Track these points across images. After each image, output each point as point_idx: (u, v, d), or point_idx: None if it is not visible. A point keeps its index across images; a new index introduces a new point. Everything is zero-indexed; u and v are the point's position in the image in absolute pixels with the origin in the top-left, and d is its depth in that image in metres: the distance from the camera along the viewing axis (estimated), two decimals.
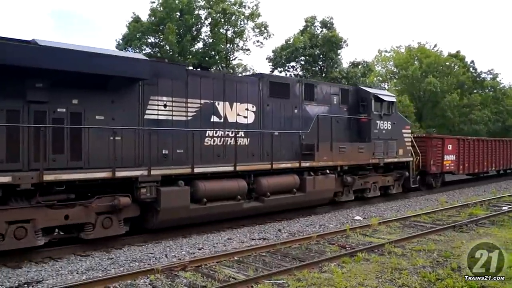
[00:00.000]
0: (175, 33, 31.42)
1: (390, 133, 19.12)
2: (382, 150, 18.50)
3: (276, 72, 37.26)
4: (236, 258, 9.92)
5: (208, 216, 12.74)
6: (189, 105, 13.13)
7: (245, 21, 35.65)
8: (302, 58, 36.41)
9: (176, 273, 8.76)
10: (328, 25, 36.61)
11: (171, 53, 31.88)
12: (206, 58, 33.45)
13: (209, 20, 34.34)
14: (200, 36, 34.84)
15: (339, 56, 36.58)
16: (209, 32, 34.88)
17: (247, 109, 14.60)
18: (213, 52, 34.08)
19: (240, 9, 35.09)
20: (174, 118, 12.75)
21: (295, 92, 16.15)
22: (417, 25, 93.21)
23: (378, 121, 18.53)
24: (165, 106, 12.54)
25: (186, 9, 32.80)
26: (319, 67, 37.22)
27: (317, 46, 35.55)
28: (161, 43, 33.59)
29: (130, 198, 11.01)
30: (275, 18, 78.00)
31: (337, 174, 16.49)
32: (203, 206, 12.37)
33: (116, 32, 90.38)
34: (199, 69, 14.16)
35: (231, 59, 35.74)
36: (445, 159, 23.42)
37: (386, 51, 56.73)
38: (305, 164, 15.22)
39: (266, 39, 36.48)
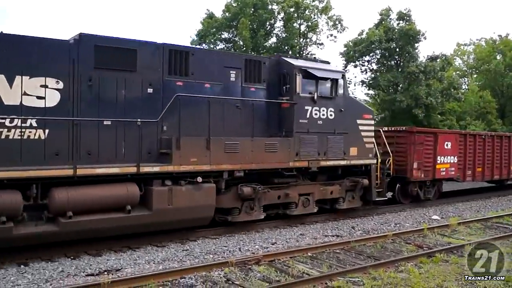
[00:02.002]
0: (248, 28, 31.71)
1: (333, 124, 13.26)
2: (316, 149, 12.88)
3: (350, 68, 36.59)
4: (309, 254, 9.87)
5: None
6: None
7: (319, 14, 35.39)
8: (378, 52, 35.55)
9: (250, 266, 8.81)
10: (405, 17, 35.49)
11: (244, 48, 32.20)
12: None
13: (282, 14, 34.37)
14: (273, 31, 34.96)
15: (416, 50, 35.40)
16: (282, 27, 34.92)
17: (45, 86, 9.63)
18: (286, 47, 34.08)
19: (314, 3, 34.87)
20: None
21: (149, 62, 10.82)
22: (498, 16, 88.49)
23: (308, 107, 12.76)
24: None
25: (260, 4, 33.05)
26: (395, 61, 36.21)
27: (392, 39, 34.59)
28: (235, 39, 34.01)
29: None
30: (347, 11, 76.68)
31: (224, 183, 11.42)
32: None
33: (191, 29, 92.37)
34: None
35: (304, 53, 35.52)
36: (439, 161, 17.18)
37: (465, 45, 54.29)
38: (152, 168, 10.25)
39: (340, 32, 36.06)
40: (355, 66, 36.75)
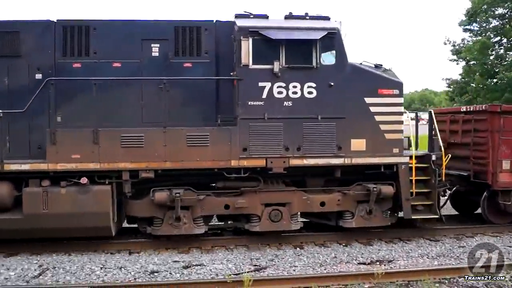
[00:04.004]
0: None
1: (314, 105, 9.40)
2: (282, 141, 9.33)
3: None
4: None
5: None
6: None
7: None
8: None
9: None
10: None
11: None
12: None
13: None
14: None
15: None
16: None
17: None
18: None
19: None
20: None
21: (36, 43, 9.36)
22: None
23: (265, 84, 9.27)
24: None
25: None
26: None
27: None
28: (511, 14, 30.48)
29: None
30: None
31: (129, 187, 9.15)
32: None
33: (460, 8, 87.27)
34: None
35: None
36: None
37: None
38: (20, 166, 8.78)
39: None
40: None
